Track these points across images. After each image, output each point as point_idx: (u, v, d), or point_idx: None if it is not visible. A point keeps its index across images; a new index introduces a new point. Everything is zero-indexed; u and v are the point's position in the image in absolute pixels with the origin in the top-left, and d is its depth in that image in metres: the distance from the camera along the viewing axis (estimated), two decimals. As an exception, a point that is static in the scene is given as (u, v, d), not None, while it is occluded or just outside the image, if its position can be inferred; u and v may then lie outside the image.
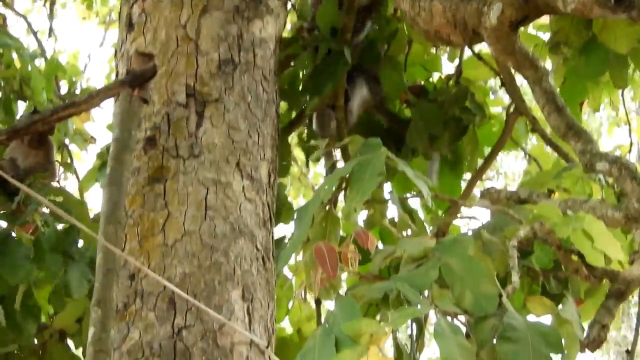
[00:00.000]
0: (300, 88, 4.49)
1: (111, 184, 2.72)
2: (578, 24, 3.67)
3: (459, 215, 4.52)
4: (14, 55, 5.93)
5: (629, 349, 2.68)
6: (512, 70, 4.14)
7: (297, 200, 6.86)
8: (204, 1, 3.59)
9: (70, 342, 4.50)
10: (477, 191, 4.52)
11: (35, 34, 7.32)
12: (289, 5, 4.12)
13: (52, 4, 9.47)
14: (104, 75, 11.48)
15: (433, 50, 4.80)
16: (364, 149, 2.54)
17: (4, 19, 6.74)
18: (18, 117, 5.68)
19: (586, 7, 2.65)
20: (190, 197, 3.21)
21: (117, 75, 3.68)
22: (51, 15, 9.39)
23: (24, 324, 4.23)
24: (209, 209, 3.20)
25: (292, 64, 4.53)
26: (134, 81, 3.01)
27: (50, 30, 9.22)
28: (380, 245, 4.31)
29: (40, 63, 6.12)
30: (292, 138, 4.89)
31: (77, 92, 6.60)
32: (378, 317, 2.37)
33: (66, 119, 3.06)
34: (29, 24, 7.38)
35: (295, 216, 3.04)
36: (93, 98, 2.95)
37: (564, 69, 4.14)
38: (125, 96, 2.96)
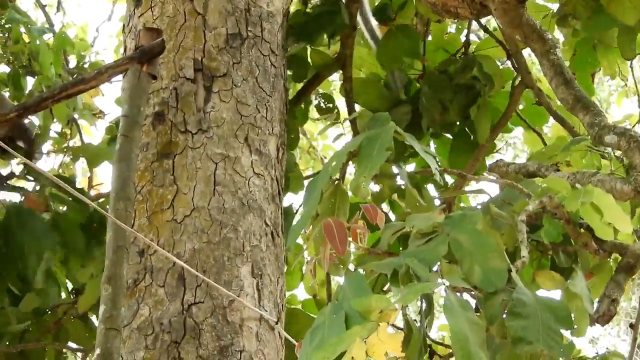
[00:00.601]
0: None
1: (120, 160, 2.72)
2: (585, -5, 3.65)
3: (467, 188, 4.51)
4: (22, 30, 5.95)
5: (632, 323, 2.66)
6: (518, 43, 4.12)
7: (306, 172, 6.83)
8: (212, -21, 3.58)
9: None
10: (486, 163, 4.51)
11: (43, 7, 7.29)
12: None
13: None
14: (113, 48, 11.48)
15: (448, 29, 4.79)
16: (372, 123, 2.53)
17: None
18: (27, 91, 5.68)
19: (594, -23, 2.65)
20: (199, 173, 3.21)
21: (125, 50, 3.67)
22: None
23: (48, 288, 4.27)
24: (218, 185, 3.20)
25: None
26: (143, 57, 3.00)
27: (59, 4, 9.21)
28: (392, 217, 4.34)
29: (48, 37, 6.12)
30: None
31: (86, 66, 6.59)
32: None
33: (75, 95, 3.05)
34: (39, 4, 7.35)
35: (304, 190, 3.04)
36: (102, 74, 2.95)
37: (573, 40, 4.12)
38: (133, 72, 2.95)
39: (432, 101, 4.34)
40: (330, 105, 4.85)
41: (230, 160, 3.25)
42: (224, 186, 3.20)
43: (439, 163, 3.11)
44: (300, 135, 5.14)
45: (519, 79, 4.46)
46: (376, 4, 4.65)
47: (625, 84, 6.49)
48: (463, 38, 4.77)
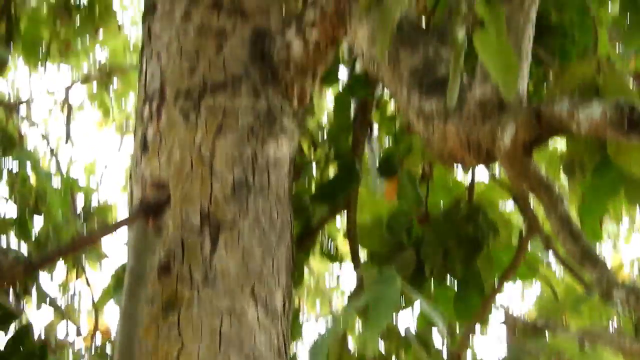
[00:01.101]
0: (311, 197, 4.48)
1: (125, 317, 2.71)
2: (592, 146, 3.66)
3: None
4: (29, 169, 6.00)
5: None
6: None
7: (314, 310, 6.81)
8: (219, 121, 3.61)
9: None
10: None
11: (52, 150, 7.38)
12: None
13: (69, 110, 9.58)
14: (121, 182, 11.57)
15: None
16: (378, 277, 2.52)
17: (21, 135, 6.81)
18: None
19: (599, 129, 2.64)
20: (204, 327, 3.17)
21: (130, 197, 3.68)
22: (68, 122, 9.50)
23: None
24: (224, 340, 3.16)
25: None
26: (148, 211, 3.02)
27: (67, 136, 9.31)
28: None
29: (56, 169, 6.19)
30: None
31: (93, 204, 6.62)
32: None
33: (82, 250, 3.07)
34: (46, 139, 7.44)
35: (309, 350, 3.02)
36: (108, 229, 2.96)
37: (580, 187, 4.13)
38: (139, 227, 2.97)
39: (436, 251, 4.34)
40: (335, 249, 4.86)
41: (236, 314, 3.22)
42: (230, 342, 3.15)
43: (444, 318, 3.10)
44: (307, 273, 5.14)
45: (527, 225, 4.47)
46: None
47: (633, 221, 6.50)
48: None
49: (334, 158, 4.54)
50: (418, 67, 3.19)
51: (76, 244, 2.96)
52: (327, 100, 7.02)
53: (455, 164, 3.21)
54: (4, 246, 5.02)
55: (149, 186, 3.38)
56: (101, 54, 10.24)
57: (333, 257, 4.85)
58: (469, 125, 2.96)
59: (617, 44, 4.81)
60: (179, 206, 3.42)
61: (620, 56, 4.79)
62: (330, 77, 4.49)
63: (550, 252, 4.54)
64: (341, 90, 4.54)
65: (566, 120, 2.70)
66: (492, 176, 4.73)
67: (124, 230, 3.50)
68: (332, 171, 4.81)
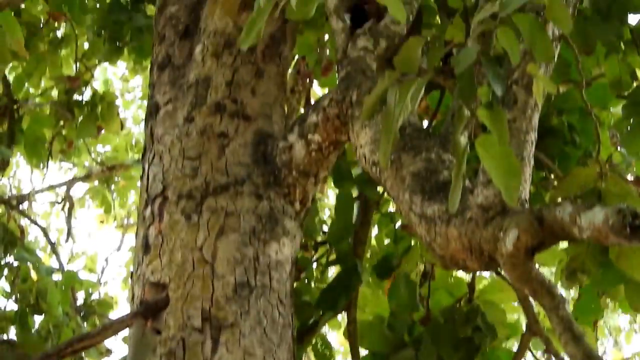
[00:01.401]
0: (314, 303, 4.48)
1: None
2: (594, 250, 3.67)
3: None
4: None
5: None
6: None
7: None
8: (221, 223, 3.62)
9: None
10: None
11: (52, 244, 7.39)
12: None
13: (71, 207, 9.60)
14: (121, 278, 11.57)
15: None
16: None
17: (23, 231, 6.83)
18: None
19: (602, 234, 2.64)
20: None
21: (132, 297, 3.67)
22: (69, 219, 9.51)
23: None
24: None
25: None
26: (147, 312, 3.02)
27: (69, 233, 9.32)
28: None
29: (57, 264, 6.19)
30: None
31: (94, 300, 6.61)
32: None
33: (80, 351, 3.05)
34: (47, 236, 7.45)
35: None
36: (107, 330, 2.96)
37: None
38: (138, 327, 2.96)
39: (431, 356, 4.32)
40: (328, 352, 4.82)
41: (237, 419, 3.21)
42: None
43: None
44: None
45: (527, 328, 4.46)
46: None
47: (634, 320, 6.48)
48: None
49: (335, 259, 4.54)
50: (420, 171, 3.20)
51: (75, 344, 2.94)
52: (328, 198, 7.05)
53: (457, 268, 3.21)
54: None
55: (148, 287, 3.37)
56: (103, 151, 10.32)
57: (326, 357, 4.82)
58: (471, 229, 2.96)
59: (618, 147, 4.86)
60: (180, 306, 3.41)
61: (621, 157, 4.83)
62: (339, 178, 4.51)
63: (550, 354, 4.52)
64: (343, 191, 4.55)
65: (568, 226, 2.70)
66: (497, 272, 4.72)
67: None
68: (332, 270, 4.82)
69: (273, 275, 3.58)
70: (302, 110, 6.24)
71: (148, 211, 3.75)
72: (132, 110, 11.42)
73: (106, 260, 12.75)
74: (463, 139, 2.74)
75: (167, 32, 4.27)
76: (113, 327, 3.01)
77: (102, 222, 11.72)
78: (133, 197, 10.25)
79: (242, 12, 4.09)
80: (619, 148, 5.05)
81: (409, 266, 4.65)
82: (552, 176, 4.27)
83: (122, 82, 11.46)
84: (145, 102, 4.14)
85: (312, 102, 5.60)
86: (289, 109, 4.06)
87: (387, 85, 2.72)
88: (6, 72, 7.33)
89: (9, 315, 5.72)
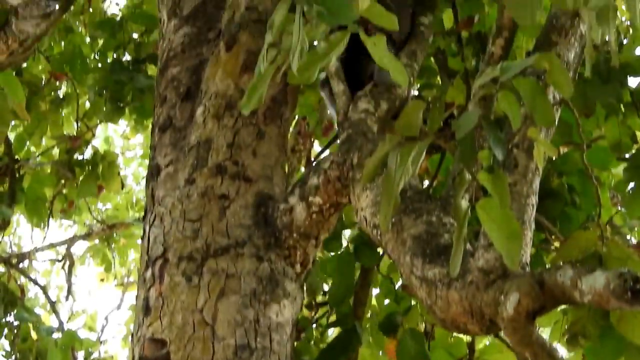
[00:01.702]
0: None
1: None
2: (595, 314, 3.67)
3: None
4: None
5: None
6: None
7: None
8: (221, 285, 3.62)
9: None
10: None
11: (52, 303, 7.37)
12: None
13: (71, 265, 9.60)
14: (121, 337, 11.52)
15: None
16: None
17: (23, 290, 6.82)
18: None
19: (603, 298, 2.64)
20: None
21: (132, 358, 3.66)
22: (69, 277, 9.50)
23: None
24: None
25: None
26: (146, 371, 3.01)
27: (69, 291, 9.31)
28: None
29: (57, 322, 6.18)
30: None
31: (94, 359, 6.59)
32: None
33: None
34: (47, 294, 7.44)
35: None
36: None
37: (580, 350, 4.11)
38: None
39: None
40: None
41: None
42: None
43: None
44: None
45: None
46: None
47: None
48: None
49: (335, 320, 4.54)
50: (421, 234, 3.21)
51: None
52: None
53: (458, 331, 3.21)
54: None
55: (148, 343, 3.36)
56: (104, 209, 10.33)
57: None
58: (472, 292, 2.96)
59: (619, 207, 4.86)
60: (181, 378, 3.41)
61: (623, 219, 4.84)
62: (333, 242, 4.52)
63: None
64: (344, 253, 4.56)
65: (569, 290, 2.70)
66: (496, 334, 4.71)
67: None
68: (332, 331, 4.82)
69: (274, 337, 3.57)
70: (302, 170, 6.26)
71: (149, 273, 3.75)
72: (132, 168, 11.45)
73: (106, 318, 12.69)
74: (464, 203, 2.75)
75: (169, 93, 4.29)
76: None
77: (102, 280, 11.71)
78: (133, 255, 10.25)
79: (243, 74, 4.12)
80: (619, 208, 5.06)
81: (410, 326, 4.64)
82: (553, 238, 4.27)
83: (123, 139, 11.50)
84: (146, 160, 4.16)
85: (313, 161, 5.62)
86: (289, 169, 4.08)
87: (388, 149, 2.74)
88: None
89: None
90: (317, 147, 6.89)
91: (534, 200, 3.03)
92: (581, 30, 3.31)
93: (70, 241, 9.80)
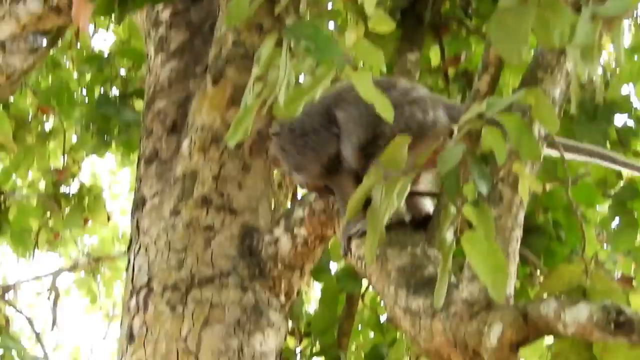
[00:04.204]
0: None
1: None
2: (579, 346, 3.67)
3: None
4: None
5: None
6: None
7: None
8: (205, 314, 3.64)
9: None
10: None
11: (37, 334, 7.35)
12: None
13: (56, 297, 9.56)
14: (105, 369, 11.48)
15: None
16: None
17: (8, 320, 6.80)
18: None
19: (586, 330, 2.65)
20: None
21: (115, 388, 3.67)
22: (54, 309, 9.47)
23: None
24: None
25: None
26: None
27: (54, 322, 9.27)
28: None
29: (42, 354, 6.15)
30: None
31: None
32: None
33: None
34: (32, 325, 7.42)
35: None
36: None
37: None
38: None
39: None
40: None
41: None
42: None
43: None
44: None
45: None
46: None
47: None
48: None
49: (319, 351, 4.54)
50: (406, 266, 3.22)
51: None
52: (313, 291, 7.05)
53: (442, 362, 3.21)
54: None
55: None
56: (89, 242, 10.31)
57: None
58: (456, 323, 2.97)
59: (604, 244, 4.88)
60: (161, 400, 3.41)
61: (607, 255, 4.86)
62: (321, 274, 4.53)
63: None
64: (328, 284, 4.56)
65: (553, 322, 2.71)
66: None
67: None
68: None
69: (257, 368, 3.58)
70: (289, 205, 6.27)
71: (133, 302, 3.76)
72: (119, 203, 11.44)
73: (91, 350, 12.66)
74: (449, 235, 2.76)
75: (155, 126, 4.30)
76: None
77: (87, 312, 11.67)
78: (119, 288, 10.23)
79: (229, 108, 4.13)
80: (604, 246, 5.08)
81: (396, 357, 4.64)
82: (538, 272, 4.29)
83: (110, 175, 11.50)
84: (132, 194, 4.18)
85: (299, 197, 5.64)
86: (276, 204, 4.09)
87: (372, 183, 2.74)
88: (-6, 164, 7.37)
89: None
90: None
91: (518, 233, 3.04)
92: (567, 67, 3.33)
93: (56, 273, 9.78)
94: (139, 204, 4.07)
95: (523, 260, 4.05)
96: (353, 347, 4.96)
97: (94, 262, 9.68)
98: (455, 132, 2.72)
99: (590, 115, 4.34)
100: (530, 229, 4.13)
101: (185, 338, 3.58)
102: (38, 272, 10.62)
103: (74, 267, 9.88)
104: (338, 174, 3.30)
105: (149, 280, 3.76)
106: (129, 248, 4.06)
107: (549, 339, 4.30)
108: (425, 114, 3.24)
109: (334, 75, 2.87)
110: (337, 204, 3.55)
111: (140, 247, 3.90)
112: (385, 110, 2.75)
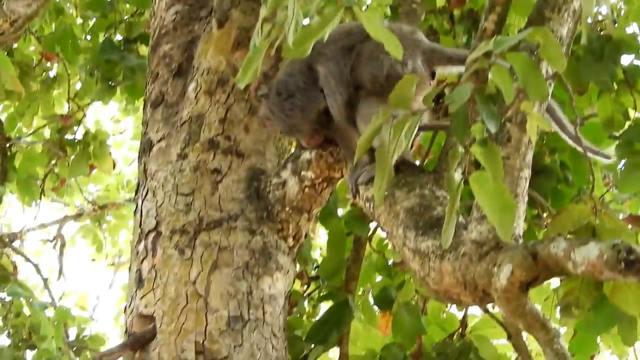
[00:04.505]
0: (305, 337, 4.47)
1: None
2: (588, 285, 3.67)
3: None
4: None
5: None
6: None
7: None
8: (214, 257, 3.64)
9: None
10: None
11: (45, 280, 7.37)
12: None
13: (62, 245, 9.58)
14: (113, 316, 11.52)
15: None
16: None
17: (15, 267, 6.81)
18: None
19: (596, 269, 2.64)
20: None
21: (126, 331, 3.68)
22: (61, 257, 9.49)
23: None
24: None
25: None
26: (135, 344, 3.04)
27: (60, 271, 9.29)
28: None
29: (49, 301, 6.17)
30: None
31: (86, 337, 6.57)
32: None
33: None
34: (39, 272, 7.44)
35: None
36: (96, 362, 2.95)
37: (573, 321, 4.13)
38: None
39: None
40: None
41: None
42: None
43: None
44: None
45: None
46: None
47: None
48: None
49: (327, 294, 4.54)
50: (414, 207, 3.21)
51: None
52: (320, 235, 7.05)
53: (451, 302, 3.21)
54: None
55: (137, 319, 3.39)
56: (95, 191, 10.31)
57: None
58: (465, 264, 2.97)
59: (610, 187, 4.87)
60: (174, 340, 3.43)
61: (613, 197, 4.84)
62: (326, 216, 4.52)
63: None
64: (336, 228, 4.56)
65: (562, 261, 2.70)
66: (486, 310, 4.73)
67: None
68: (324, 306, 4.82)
69: (266, 309, 3.60)
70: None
71: (141, 246, 3.76)
72: (122, 152, 11.43)
73: (97, 298, 12.70)
74: (457, 176, 2.75)
75: (161, 70, 4.29)
76: (102, 359, 3.02)
77: (93, 260, 11.69)
78: (124, 236, 10.24)
79: (235, 50, 4.12)
80: (611, 189, 5.06)
81: (405, 300, 4.64)
82: (545, 214, 4.28)
83: (113, 123, 11.47)
84: (137, 143, 4.17)
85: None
86: (281, 150, 4.08)
87: (381, 123, 2.73)
88: (-1, 110, 7.36)
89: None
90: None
91: (526, 173, 3.03)
92: (574, 6, 3.30)
93: (62, 221, 9.79)
94: (145, 148, 4.07)
95: (530, 202, 4.03)
96: (361, 291, 4.97)
97: (99, 210, 9.67)
98: (466, 68, 2.70)
99: (597, 55, 4.31)
100: (537, 171, 4.12)
101: (194, 281, 3.59)
102: (44, 220, 10.61)
103: (79, 216, 9.88)
104: (334, 124, 3.30)
105: (157, 224, 3.77)
106: (136, 192, 4.06)
107: (555, 282, 4.33)
108: (404, 66, 3.24)
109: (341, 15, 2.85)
110: (342, 152, 3.54)
111: (147, 191, 3.90)
112: (394, 49, 2.73)
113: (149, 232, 3.77)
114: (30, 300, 5.89)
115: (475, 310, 5.01)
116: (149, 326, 3.42)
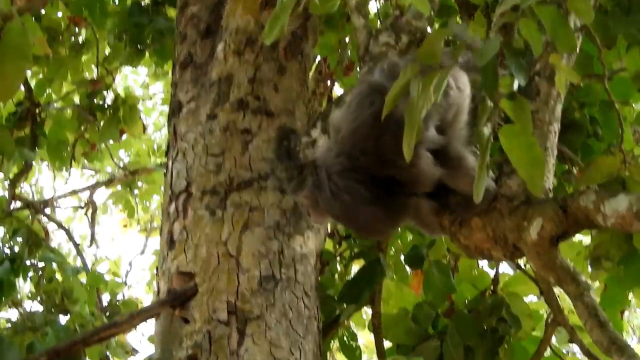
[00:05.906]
0: (337, 296, 4.49)
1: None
2: (618, 238, 3.67)
3: None
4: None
5: None
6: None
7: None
8: (245, 218, 3.65)
9: None
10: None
11: (77, 246, 7.41)
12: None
13: (94, 212, 9.63)
14: (145, 282, 11.61)
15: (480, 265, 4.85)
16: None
17: (47, 232, 6.86)
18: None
19: (626, 221, 2.64)
20: None
21: (158, 293, 3.70)
22: (92, 224, 9.54)
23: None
24: None
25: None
26: (175, 301, 3.05)
27: (92, 238, 9.35)
28: None
29: (81, 267, 6.21)
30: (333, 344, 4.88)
31: (119, 303, 6.62)
32: None
33: (107, 339, 3.08)
34: (71, 237, 7.48)
35: None
36: (134, 318, 2.98)
37: (604, 275, 4.12)
38: (166, 316, 2.98)
39: (457, 345, 4.34)
40: (354, 344, 4.81)
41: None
42: None
43: None
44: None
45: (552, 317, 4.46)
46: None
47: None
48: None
49: (358, 253, 4.56)
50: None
51: (101, 332, 2.97)
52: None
53: (482, 257, 3.21)
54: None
55: (176, 276, 3.40)
56: (125, 156, 10.35)
57: (353, 353, 4.81)
58: (496, 219, 2.97)
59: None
60: (206, 300, 3.44)
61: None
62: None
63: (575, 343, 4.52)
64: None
65: (592, 214, 2.70)
66: (518, 266, 4.73)
67: (151, 324, 3.52)
68: (356, 265, 4.83)
69: (298, 268, 3.60)
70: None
71: (172, 207, 3.78)
72: (153, 117, 11.45)
73: (130, 264, 12.77)
74: (486, 130, 2.75)
75: (189, 31, 4.29)
76: (140, 316, 3.04)
77: (125, 226, 11.75)
78: (156, 201, 10.27)
79: (263, 9, 4.12)
80: (640, 144, 5.03)
81: (435, 258, 4.66)
82: (575, 169, 4.27)
83: (143, 89, 11.49)
84: (167, 109, 4.18)
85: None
86: (310, 111, 4.08)
87: (409, 77, 2.73)
88: (28, 76, 7.35)
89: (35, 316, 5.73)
90: (337, 88, 6.87)
91: (556, 127, 3.02)
92: (602, -42, 3.28)
93: (93, 187, 9.83)
94: (175, 109, 4.08)
95: (560, 157, 4.03)
96: (392, 251, 4.98)
97: (130, 175, 9.69)
98: (494, 22, 2.70)
99: (625, 8, 4.27)
100: (567, 126, 4.10)
101: (226, 242, 3.60)
102: (75, 187, 10.67)
103: (110, 182, 9.92)
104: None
105: (188, 185, 3.78)
106: (166, 154, 4.07)
107: (587, 239, 4.32)
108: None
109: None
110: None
111: (177, 152, 3.91)
112: (421, 4, 2.73)
113: (180, 193, 3.78)
114: (63, 265, 5.93)
115: (506, 268, 5.02)
116: (190, 283, 3.43)
